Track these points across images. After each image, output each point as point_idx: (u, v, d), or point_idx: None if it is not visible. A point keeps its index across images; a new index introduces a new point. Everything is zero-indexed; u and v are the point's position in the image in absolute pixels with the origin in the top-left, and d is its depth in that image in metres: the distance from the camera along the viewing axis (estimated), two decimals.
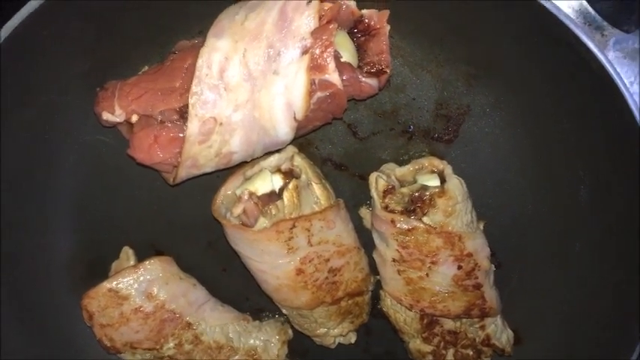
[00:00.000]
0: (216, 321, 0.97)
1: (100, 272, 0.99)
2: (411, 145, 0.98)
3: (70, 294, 1.00)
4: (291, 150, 0.93)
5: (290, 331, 1.02)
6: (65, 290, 1.00)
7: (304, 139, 0.96)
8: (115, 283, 0.92)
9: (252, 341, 0.99)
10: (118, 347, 0.94)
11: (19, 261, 0.97)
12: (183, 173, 0.86)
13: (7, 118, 0.89)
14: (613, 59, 1.00)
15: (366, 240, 0.98)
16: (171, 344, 0.94)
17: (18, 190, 0.94)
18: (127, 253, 0.98)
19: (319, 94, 0.82)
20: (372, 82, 0.84)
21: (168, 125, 0.83)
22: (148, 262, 0.93)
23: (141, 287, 0.91)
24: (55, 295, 1.00)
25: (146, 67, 0.89)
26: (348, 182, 0.99)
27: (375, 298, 1.02)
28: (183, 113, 0.82)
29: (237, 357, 0.97)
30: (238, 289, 1.04)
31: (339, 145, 0.98)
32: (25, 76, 0.89)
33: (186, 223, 1.01)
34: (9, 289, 0.96)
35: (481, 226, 0.96)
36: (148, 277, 0.92)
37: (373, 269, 0.99)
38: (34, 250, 0.98)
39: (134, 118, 0.84)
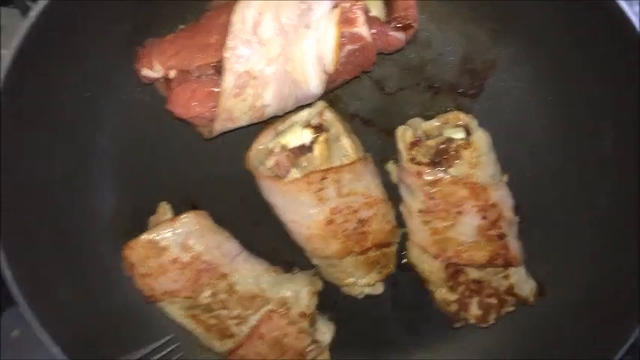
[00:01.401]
0: (249, 272, 1.01)
1: (140, 226, 1.04)
2: (437, 100, 1.01)
3: (113, 247, 1.04)
4: (321, 105, 0.96)
5: (320, 283, 1.06)
6: (108, 243, 1.05)
7: (333, 95, 0.99)
8: (153, 235, 0.96)
9: (283, 292, 1.03)
10: (158, 296, 0.98)
11: (66, 217, 1.02)
12: (219, 126, 0.90)
13: (55, 81, 0.93)
14: None
15: (392, 194, 1.01)
16: (207, 293, 0.98)
17: (64, 149, 0.99)
18: (164, 208, 1.03)
19: (349, 47, 0.85)
20: (400, 35, 0.87)
21: (204, 80, 0.87)
22: (184, 216, 0.98)
23: (178, 239, 0.96)
24: (99, 248, 1.05)
25: (182, 26, 0.93)
26: (375, 137, 1.03)
27: (402, 251, 1.06)
28: (218, 68, 0.86)
29: (269, 306, 1.01)
30: (270, 242, 1.07)
31: (366, 100, 1.01)
32: (71, 39, 0.92)
33: (220, 178, 1.05)
34: (58, 244, 1.01)
35: (505, 179, 0.99)
36: (185, 229, 0.96)
37: (400, 222, 1.03)
38: (80, 206, 1.03)
39: (172, 74, 0.88)
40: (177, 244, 0.96)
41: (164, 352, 1.04)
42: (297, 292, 1.04)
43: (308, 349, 1.04)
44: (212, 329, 1.00)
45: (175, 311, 1.00)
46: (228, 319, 0.99)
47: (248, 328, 1.00)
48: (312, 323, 1.05)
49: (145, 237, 0.96)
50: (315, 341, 1.04)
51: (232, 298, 1.00)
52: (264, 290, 1.02)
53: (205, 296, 0.99)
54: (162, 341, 1.04)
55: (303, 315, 1.02)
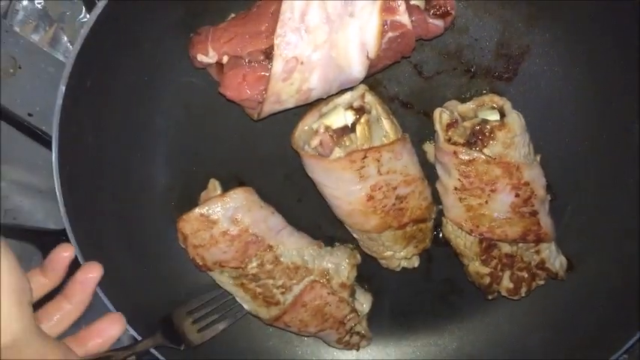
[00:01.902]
0: (293, 245, 1.08)
1: (191, 201, 1.12)
2: (473, 83, 1.05)
3: (166, 221, 1.12)
4: (363, 88, 1.02)
5: (359, 256, 1.13)
6: (162, 218, 1.12)
7: (373, 79, 1.05)
8: (205, 209, 1.03)
9: (324, 264, 1.09)
10: (209, 265, 1.05)
11: (125, 192, 1.09)
12: (267, 108, 0.97)
13: (116, 66, 1.00)
14: None
15: (429, 173, 1.07)
16: (255, 264, 1.05)
17: (123, 128, 1.06)
18: (214, 184, 1.09)
19: (390, 34, 0.90)
20: (439, 22, 0.92)
21: (255, 65, 0.93)
22: (232, 192, 1.04)
23: (227, 213, 1.02)
24: (154, 222, 1.13)
25: (233, 14, 0.99)
26: (413, 119, 1.08)
27: (437, 227, 1.12)
28: (268, 54, 0.92)
29: (311, 277, 1.08)
30: (312, 218, 1.14)
31: (405, 84, 1.06)
32: (130, 27, 0.99)
33: (266, 157, 1.11)
34: (115, 219, 1.09)
35: (538, 158, 1.04)
36: (233, 204, 1.03)
37: (436, 200, 1.08)
38: (136, 181, 1.10)
39: (225, 59, 0.94)
40: (227, 218, 1.02)
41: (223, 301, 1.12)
42: (338, 264, 1.10)
43: (347, 318, 1.10)
44: (259, 297, 1.07)
45: (225, 280, 1.07)
46: (273, 288, 1.06)
47: (292, 297, 1.07)
48: (352, 294, 1.12)
49: (197, 211, 1.03)
50: (354, 310, 1.11)
51: (277, 268, 1.06)
52: (307, 262, 1.08)
53: (253, 266, 1.05)
54: (217, 293, 1.11)
55: (343, 285, 1.09)
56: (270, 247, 1.05)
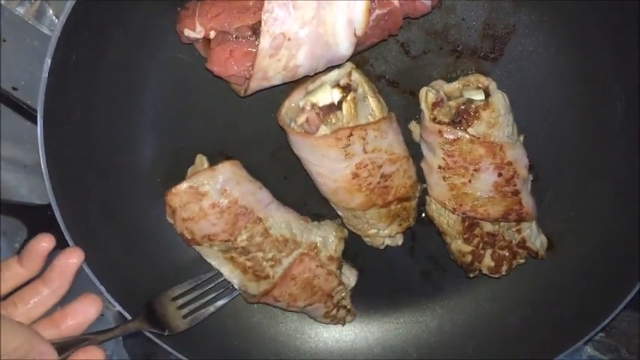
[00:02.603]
0: (282, 218, 1.08)
1: (177, 178, 1.11)
2: (459, 63, 1.06)
3: (152, 197, 1.12)
4: (349, 66, 1.02)
5: (345, 230, 1.14)
6: (148, 194, 1.13)
7: (360, 57, 1.05)
8: (194, 181, 1.03)
9: (312, 237, 1.10)
10: (198, 240, 1.05)
11: (109, 171, 1.10)
12: (254, 85, 0.97)
13: (101, 41, 1.00)
14: None
15: (414, 152, 1.08)
16: (245, 236, 1.05)
17: (109, 104, 1.06)
18: (201, 159, 1.09)
19: (378, 11, 0.91)
20: (426, 1, 0.92)
21: (242, 41, 0.93)
22: (221, 165, 1.04)
23: (216, 185, 1.02)
24: (139, 198, 1.13)
25: None
26: (399, 98, 1.08)
27: (421, 205, 1.13)
28: (255, 30, 0.92)
29: (300, 250, 1.08)
30: (298, 195, 1.15)
31: (392, 63, 1.07)
32: (114, 3, 0.98)
33: (252, 134, 1.11)
34: (100, 195, 1.09)
35: (521, 139, 1.05)
36: (222, 177, 1.03)
37: (420, 179, 1.09)
38: (122, 157, 1.10)
39: (212, 35, 0.94)
40: (216, 190, 1.02)
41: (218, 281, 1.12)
42: (326, 237, 1.11)
43: (335, 291, 1.12)
44: (248, 271, 1.08)
45: (213, 254, 1.07)
46: (263, 261, 1.07)
47: (282, 270, 1.07)
48: (339, 267, 1.13)
49: (186, 184, 1.03)
50: (341, 283, 1.12)
51: (267, 241, 1.06)
52: (296, 235, 1.09)
53: (242, 239, 1.05)
54: (203, 278, 1.12)
55: (331, 258, 1.10)
56: (260, 219, 1.05)
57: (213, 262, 1.09)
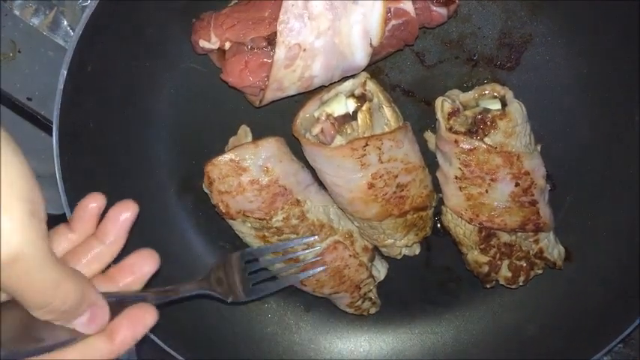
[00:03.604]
0: (320, 202, 1.05)
1: (192, 188, 1.12)
2: (475, 72, 1.05)
3: (167, 207, 1.12)
4: (364, 76, 1.01)
5: None
6: (163, 205, 1.13)
7: (375, 66, 1.04)
8: (237, 154, 0.99)
9: (349, 225, 1.08)
10: (232, 214, 1.02)
11: (123, 181, 1.09)
12: (270, 95, 0.97)
13: (118, 52, 1.00)
14: None
15: (429, 161, 1.07)
16: (280, 217, 1.02)
17: (125, 114, 1.06)
18: (245, 130, 1.06)
19: (394, 21, 0.90)
20: (442, 10, 0.92)
21: (257, 52, 0.93)
22: (265, 140, 1.00)
23: (258, 161, 0.99)
24: (153, 208, 1.12)
25: (235, 0, 0.99)
26: (415, 107, 1.08)
27: (437, 215, 1.12)
28: (271, 40, 0.92)
29: (335, 237, 1.06)
30: None
31: (407, 72, 1.06)
32: (130, 11, 0.98)
33: None
34: (117, 196, 1.08)
35: (538, 148, 1.04)
36: (265, 153, 1.00)
37: (436, 188, 1.09)
38: (135, 170, 1.10)
39: (227, 45, 0.94)
40: (257, 167, 0.99)
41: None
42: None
43: (364, 283, 1.10)
44: (279, 253, 1.04)
45: (246, 230, 1.04)
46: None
47: (313, 255, 1.05)
48: (372, 259, 1.11)
49: (227, 156, 0.99)
50: (371, 276, 1.11)
51: (303, 224, 1.04)
52: (333, 221, 1.07)
53: (278, 219, 1.02)
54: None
55: (365, 249, 1.09)
56: (298, 201, 1.03)
57: (245, 238, 1.06)
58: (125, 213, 0.74)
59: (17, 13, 1.17)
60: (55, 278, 0.59)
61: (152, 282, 1.03)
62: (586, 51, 1.03)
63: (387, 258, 1.14)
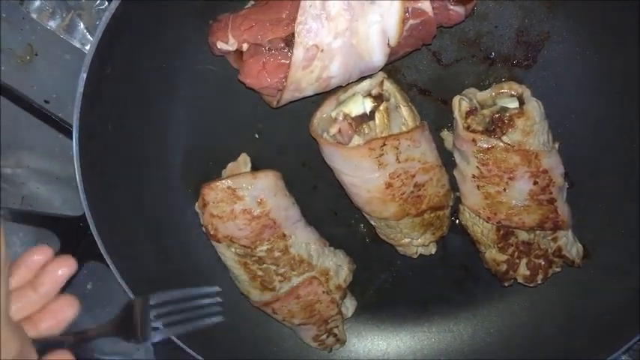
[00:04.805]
0: (304, 238, 1.08)
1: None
2: (492, 71, 1.05)
3: (184, 207, 1.13)
4: (381, 75, 1.01)
5: (354, 265, 1.14)
6: (180, 204, 1.13)
7: (392, 66, 1.04)
8: (235, 182, 1.02)
9: (327, 263, 1.10)
10: (219, 237, 1.04)
11: (141, 182, 1.10)
12: (287, 96, 0.97)
13: (135, 54, 1.01)
14: None
15: (446, 160, 1.07)
16: (265, 247, 1.05)
17: (143, 115, 1.07)
18: (245, 159, 1.08)
19: (411, 21, 0.90)
20: (460, 9, 0.92)
21: (275, 53, 0.93)
22: (264, 173, 1.03)
23: (254, 192, 1.02)
24: (171, 208, 1.14)
25: (252, 2, 0.99)
26: (431, 107, 1.08)
27: (454, 214, 1.12)
28: (288, 41, 0.92)
29: (312, 273, 1.09)
30: (329, 205, 1.15)
31: (424, 71, 1.06)
32: (147, 14, 0.99)
33: (283, 144, 1.12)
34: (133, 206, 1.11)
35: (556, 146, 1.04)
36: (262, 185, 1.02)
37: (453, 187, 1.08)
38: (153, 171, 1.11)
39: (245, 47, 0.94)
40: (252, 197, 1.02)
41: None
42: (339, 266, 1.12)
43: (332, 319, 1.12)
44: (257, 279, 1.07)
45: (229, 255, 1.06)
46: (274, 275, 1.07)
47: (288, 287, 1.08)
48: (343, 297, 1.14)
49: (225, 182, 1.02)
50: (339, 313, 1.13)
51: (284, 257, 1.06)
52: (312, 257, 1.09)
53: (262, 250, 1.05)
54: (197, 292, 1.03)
55: (339, 287, 1.11)
56: (284, 235, 1.05)
57: (226, 262, 1.08)
58: (63, 269, 0.80)
59: (34, 16, 1.18)
60: (6, 336, 0.68)
61: (175, 284, 1.04)
62: (604, 49, 1.02)
63: (402, 257, 1.14)
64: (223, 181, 1.02)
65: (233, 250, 1.06)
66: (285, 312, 1.10)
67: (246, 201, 1.02)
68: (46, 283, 0.79)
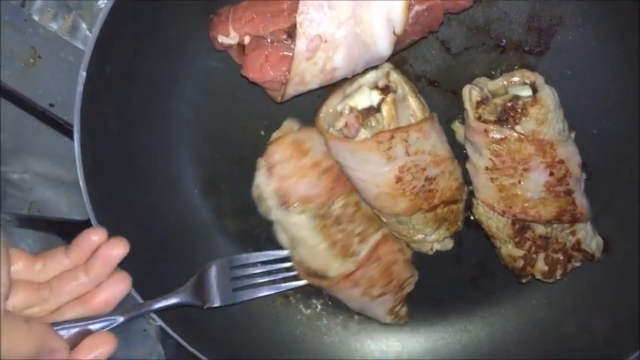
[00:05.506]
0: None
1: (215, 188, 1.11)
2: (503, 58, 1.01)
3: (191, 208, 1.11)
4: (387, 67, 0.98)
5: None
6: (187, 205, 1.11)
7: (399, 56, 1.01)
8: (298, 136, 1.00)
9: None
10: (292, 201, 1.00)
11: (146, 183, 1.08)
12: (291, 90, 0.94)
13: (136, 51, 0.99)
14: None
15: (458, 153, 1.03)
16: (340, 204, 1.01)
17: (145, 113, 1.05)
18: (291, 123, 1.05)
19: (417, 7, 0.87)
20: None
21: (277, 45, 0.91)
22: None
23: (318, 145, 1.00)
24: (177, 209, 1.11)
25: None
26: (441, 98, 1.04)
27: (468, 208, 1.08)
28: (290, 33, 0.90)
29: (385, 230, 1.06)
30: None
31: (432, 61, 1.03)
32: (146, 10, 0.97)
33: None
34: (139, 208, 1.08)
35: (572, 136, 1.00)
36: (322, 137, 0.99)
37: (466, 180, 1.05)
38: (158, 172, 1.09)
39: (246, 40, 0.92)
40: (319, 149, 1.00)
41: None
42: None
43: (407, 282, 1.09)
44: (337, 245, 1.03)
45: (303, 222, 1.02)
46: (353, 236, 1.03)
47: (367, 249, 1.04)
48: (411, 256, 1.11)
49: (289, 137, 1.00)
50: (412, 276, 1.11)
51: (358, 214, 1.04)
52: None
53: (338, 207, 1.02)
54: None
55: (408, 245, 1.08)
56: (352, 190, 1.03)
57: (300, 234, 1.02)
58: (115, 250, 0.80)
59: (36, 18, 1.17)
60: (10, 340, 0.66)
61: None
62: (620, 32, 0.98)
63: (417, 254, 1.11)
64: (286, 137, 0.99)
65: (309, 213, 1.01)
66: (366, 281, 1.06)
67: (314, 153, 0.99)
68: (97, 267, 0.80)
